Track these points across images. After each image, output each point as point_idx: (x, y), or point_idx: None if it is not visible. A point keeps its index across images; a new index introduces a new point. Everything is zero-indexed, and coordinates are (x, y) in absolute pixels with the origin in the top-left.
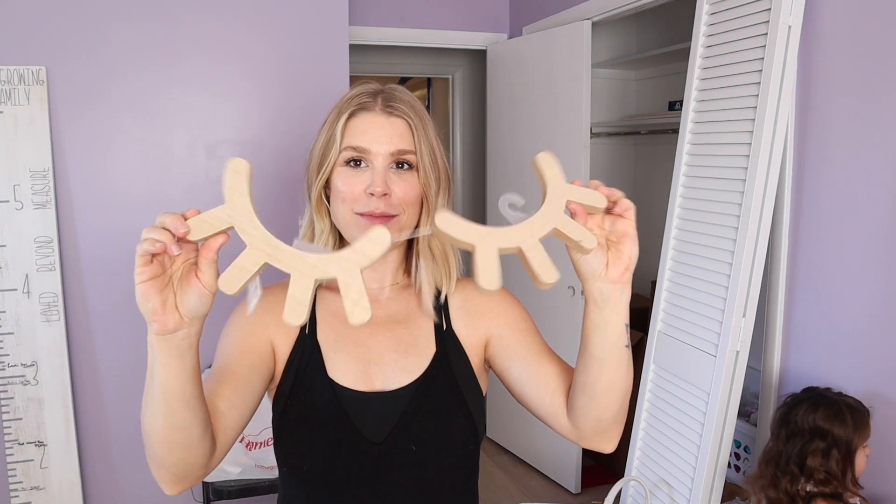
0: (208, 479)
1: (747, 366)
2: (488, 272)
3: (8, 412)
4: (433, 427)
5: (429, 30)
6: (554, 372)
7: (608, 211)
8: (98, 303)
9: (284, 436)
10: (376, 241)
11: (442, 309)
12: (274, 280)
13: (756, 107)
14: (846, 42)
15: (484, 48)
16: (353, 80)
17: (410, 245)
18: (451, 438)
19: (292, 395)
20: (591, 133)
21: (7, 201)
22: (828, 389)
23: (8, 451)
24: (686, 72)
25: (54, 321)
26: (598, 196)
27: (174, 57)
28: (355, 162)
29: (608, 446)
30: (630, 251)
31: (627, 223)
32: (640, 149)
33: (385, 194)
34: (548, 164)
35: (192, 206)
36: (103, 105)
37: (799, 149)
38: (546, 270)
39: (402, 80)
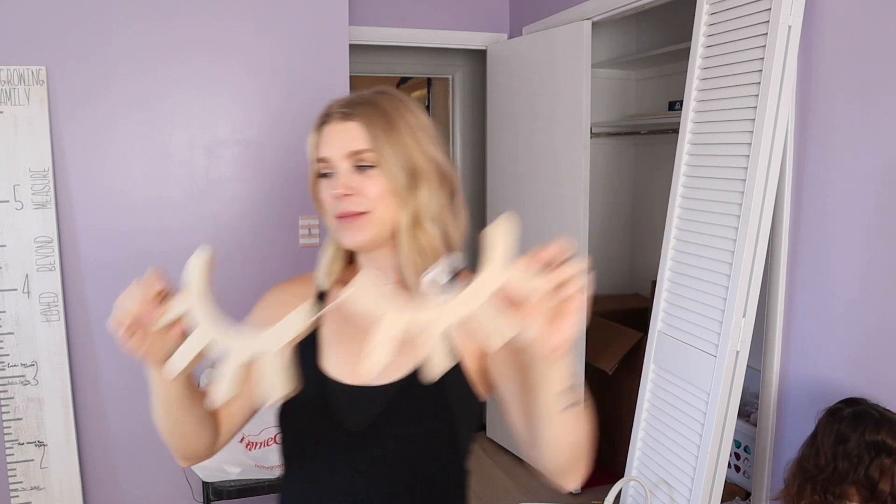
0: (208, 479)
1: (747, 366)
2: (378, 352)
3: (8, 412)
4: (410, 427)
5: (429, 30)
6: None
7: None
8: (98, 303)
9: (280, 425)
10: (290, 324)
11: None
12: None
13: (756, 107)
14: (846, 42)
15: (484, 48)
16: (354, 80)
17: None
18: (428, 441)
19: None
20: (591, 133)
21: (7, 201)
22: (864, 400)
23: (8, 451)
24: (686, 72)
25: (54, 321)
26: (535, 288)
27: (174, 57)
28: (327, 173)
29: (569, 485)
30: (566, 332)
31: (573, 301)
32: (640, 149)
33: (348, 195)
34: (494, 243)
35: (193, 205)
36: (103, 105)
37: (799, 149)
38: (432, 362)
39: (403, 80)
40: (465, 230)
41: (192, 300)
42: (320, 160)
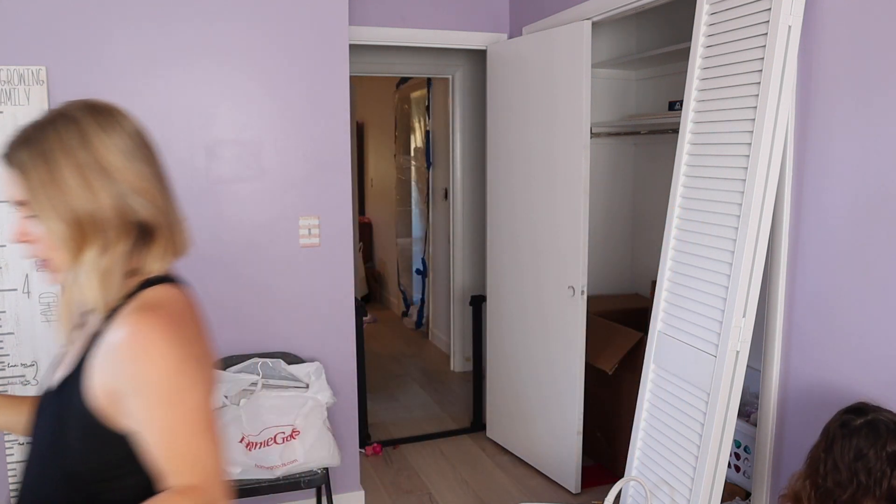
0: None
1: (747, 366)
2: None
3: None
4: (40, 438)
5: (429, 30)
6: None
7: None
8: None
9: None
10: None
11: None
12: None
13: (756, 107)
14: (846, 42)
15: (484, 48)
16: (354, 80)
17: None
18: (43, 455)
19: None
20: (591, 133)
21: (7, 201)
22: (868, 405)
23: (8, 451)
24: (686, 72)
25: (54, 321)
26: None
27: (174, 57)
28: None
29: None
30: None
31: None
32: (640, 149)
33: (23, 241)
34: None
35: (193, 205)
36: None
37: (799, 149)
38: None
39: (403, 81)
40: (180, 254)
41: None
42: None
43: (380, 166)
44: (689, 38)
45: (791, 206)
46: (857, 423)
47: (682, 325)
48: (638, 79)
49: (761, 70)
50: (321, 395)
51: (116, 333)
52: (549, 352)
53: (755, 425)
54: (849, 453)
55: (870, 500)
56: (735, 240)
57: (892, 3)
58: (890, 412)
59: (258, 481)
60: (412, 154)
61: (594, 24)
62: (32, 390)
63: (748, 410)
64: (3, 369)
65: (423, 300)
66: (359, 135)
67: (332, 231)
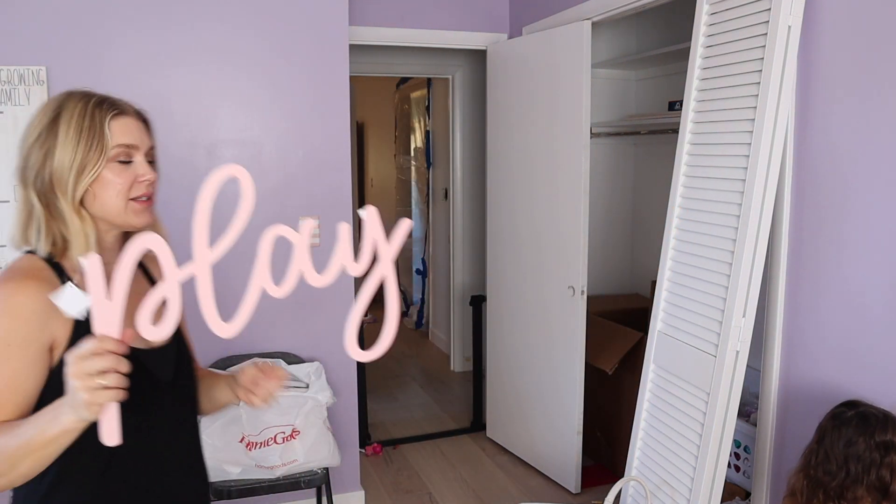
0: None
1: (747, 366)
2: None
3: None
4: None
5: (429, 30)
6: None
7: None
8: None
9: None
10: None
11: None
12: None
13: (756, 107)
14: (846, 42)
15: (484, 48)
16: (353, 80)
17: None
18: None
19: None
20: (591, 133)
21: (7, 201)
22: (861, 402)
23: None
24: (686, 72)
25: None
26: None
27: (174, 57)
28: (125, 160)
29: None
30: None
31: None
32: (640, 149)
33: (151, 182)
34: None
35: (192, 205)
36: None
37: (799, 149)
38: None
39: (403, 81)
40: None
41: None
42: (126, 146)
43: (380, 166)
44: (689, 38)
45: (791, 206)
46: (847, 414)
47: (682, 325)
48: (638, 79)
49: (761, 70)
50: (321, 395)
51: None
52: (550, 352)
53: (755, 425)
54: (839, 442)
55: (860, 489)
56: (735, 240)
57: (891, 3)
58: (880, 408)
59: (258, 481)
60: (412, 154)
61: (594, 24)
62: None
63: (748, 410)
64: None
65: (423, 300)
66: (359, 135)
67: (333, 231)
